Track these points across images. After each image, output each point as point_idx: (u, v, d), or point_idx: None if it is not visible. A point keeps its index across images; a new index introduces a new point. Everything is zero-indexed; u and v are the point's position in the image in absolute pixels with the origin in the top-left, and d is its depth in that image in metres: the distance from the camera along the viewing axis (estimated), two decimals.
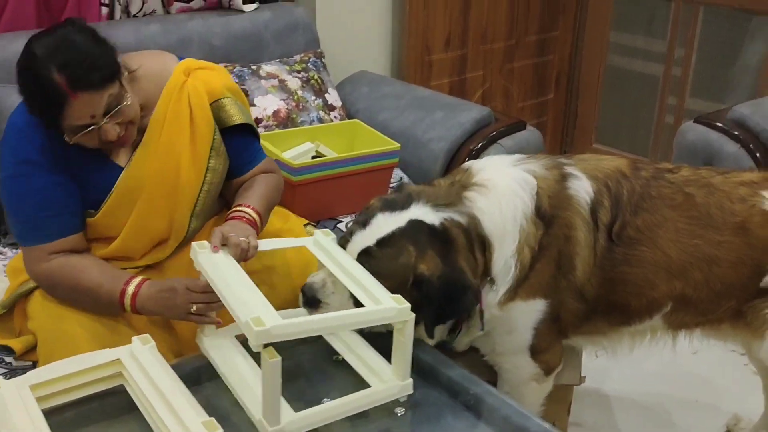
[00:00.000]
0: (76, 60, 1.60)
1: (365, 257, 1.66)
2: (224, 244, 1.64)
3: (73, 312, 1.74)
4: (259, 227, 1.80)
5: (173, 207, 1.83)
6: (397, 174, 2.71)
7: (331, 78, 2.99)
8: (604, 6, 4.28)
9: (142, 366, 1.52)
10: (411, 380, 1.58)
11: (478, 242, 1.71)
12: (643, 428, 2.47)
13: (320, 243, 1.72)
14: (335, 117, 2.86)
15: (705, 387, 2.64)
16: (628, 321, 1.91)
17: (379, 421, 1.57)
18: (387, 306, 1.49)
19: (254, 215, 1.79)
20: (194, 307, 1.62)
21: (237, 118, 1.88)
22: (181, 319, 1.68)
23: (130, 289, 1.70)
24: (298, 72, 2.85)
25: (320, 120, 2.80)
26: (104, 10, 2.71)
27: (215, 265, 1.59)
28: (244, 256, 1.65)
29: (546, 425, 1.54)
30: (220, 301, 1.54)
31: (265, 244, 1.73)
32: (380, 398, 1.57)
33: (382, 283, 1.60)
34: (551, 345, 1.88)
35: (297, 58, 2.91)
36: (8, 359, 1.84)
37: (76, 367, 1.53)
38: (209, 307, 1.63)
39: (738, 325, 1.90)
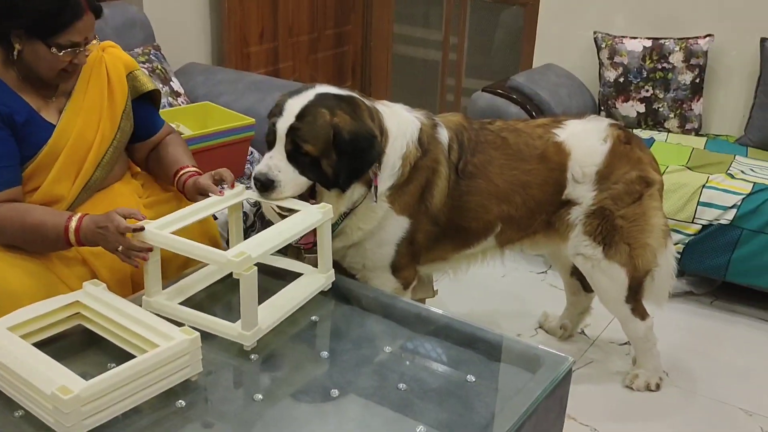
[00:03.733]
0: None
1: (292, 134, 2.02)
2: (216, 181, 2.03)
3: (13, 270, 1.86)
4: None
5: (84, 160, 2.05)
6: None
7: (171, 68, 3.24)
8: (387, 2, 4.85)
9: (102, 301, 1.75)
10: (333, 270, 1.99)
11: (377, 125, 2.12)
12: None
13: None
14: (182, 102, 3.13)
15: (515, 299, 3.25)
16: (468, 243, 2.41)
17: (299, 325, 1.88)
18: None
19: (197, 170, 2.15)
20: (120, 248, 1.83)
21: (149, 85, 2.19)
22: (114, 254, 1.86)
23: (73, 224, 1.88)
24: (143, 63, 3.08)
25: (170, 105, 3.05)
26: None
27: (168, 238, 1.81)
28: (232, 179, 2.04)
29: (407, 300, 2.02)
30: (145, 250, 1.79)
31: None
32: (316, 288, 1.95)
33: (312, 149, 1.99)
34: (407, 264, 2.32)
35: (139, 50, 3.13)
36: None
37: (36, 312, 1.73)
38: (134, 255, 1.82)
39: (549, 234, 2.46)
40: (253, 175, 2.05)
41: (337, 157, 2.03)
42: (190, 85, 3.33)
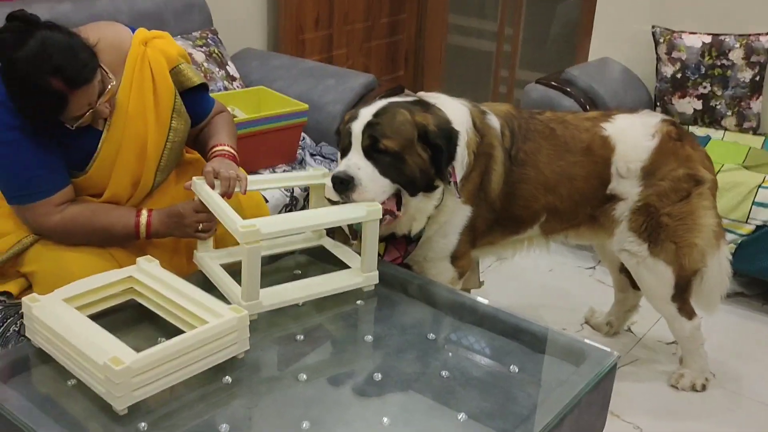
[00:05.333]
0: (65, 60, 1.73)
1: (370, 129, 1.99)
2: (216, 178, 1.95)
3: (72, 253, 1.96)
4: (236, 158, 2.11)
5: (141, 165, 2.05)
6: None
7: (227, 52, 3.29)
8: None
9: (155, 276, 1.80)
10: (377, 271, 1.97)
11: None
12: None
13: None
14: (237, 86, 3.18)
15: (562, 294, 3.22)
16: (516, 230, 2.40)
17: (343, 309, 1.92)
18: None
19: (231, 150, 2.10)
20: (201, 225, 1.94)
21: (195, 79, 2.12)
22: (189, 237, 1.98)
23: (143, 220, 1.97)
24: (200, 47, 3.13)
25: (226, 89, 3.10)
26: None
27: (209, 194, 1.92)
28: (234, 187, 1.95)
29: (472, 296, 2.02)
30: (215, 220, 1.87)
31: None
32: (347, 285, 1.94)
33: (391, 144, 1.96)
34: (466, 252, 2.32)
35: (197, 34, 3.19)
36: (1, 298, 2.04)
37: (92, 285, 1.78)
38: (211, 224, 1.94)
39: (594, 227, 2.44)
40: (330, 177, 2.00)
41: (430, 152, 2.03)
42: (245, 70, 3.38)
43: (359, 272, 1.97)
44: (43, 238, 1.99)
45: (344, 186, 1.96)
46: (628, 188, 2.34)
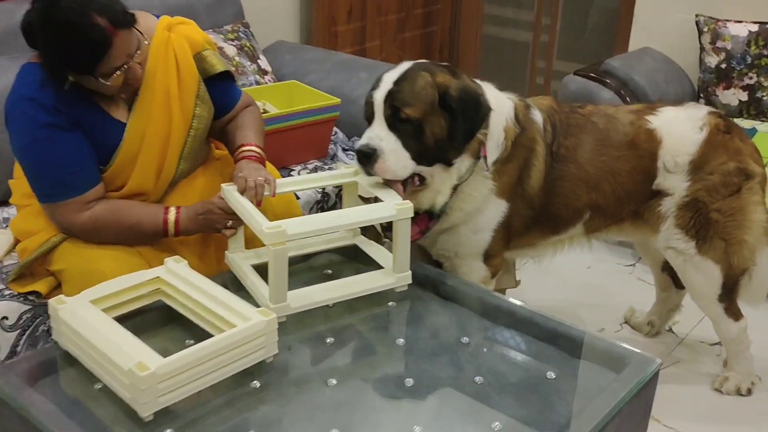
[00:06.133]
0: (107, 2, 1.76)
1: (391, 98, 1.93)
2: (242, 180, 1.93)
3: (100, 252, 1.94)
4: (263, 159, 2.07)
5: (165, 152, 2.02)
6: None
7: (259, 46, 3.25)
8: None
9: (183, 277, 1.77)
10: (410, 272, 1.91)
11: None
12: None
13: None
14: (269, 80, 3.14)
15: (601, 292, 3.14)
16: (557, 230, 2.32)
17: (374, 310, 1.87)
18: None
19: (259, 151, 2.06)
20: (230, 222, 1.92)
21: (219, 66, 2.09)
22: (216, 233, 1.96)
23: (171, 217, 1.95)
24: (232, 40, 3.10)
25: (257, 83, 3.06)
26: None
27: (238, 199, 1.90)
28: (262, 194, 1.92)
29: (507, 298, 1.95)
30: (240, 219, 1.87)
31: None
32: (378, 286, 1.89)
33: (413, 112, 1.90)
34: (499, 251, 2.26)
35: (228, 28, 3.15)
36: (31, 297, 2.03)
37: (120, 286, 1.76)
38: (239, 222, 1.92)
39: (638, 223, 2.35)
40: (355, 150, 1.99)
41: (449, 118, 1.95)
42: (277, 63, 3.34)
43: (391, 272, 1.92)
44: (71, 236, 1.97)
45: (367, 158, 1.93)
46: (675, 183, 2.25)
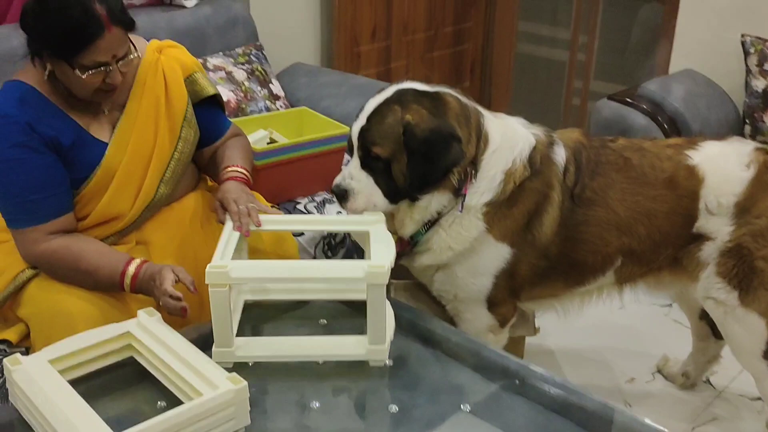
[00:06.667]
0: None
1: (362, 136, 1.87)
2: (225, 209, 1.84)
3: (69, 295, 1.79)
4: (251, 183, 1.98)
5: (145, 172, 1.93)
6: (346, 157, 2.85)
7: (272, 69, 3.11)
8: None
9: (153, 334, 1.62)
10: (386, 346, 1.68)
11: (475, 127, 1.91)
12: (588, 375, 2.71)
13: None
14: (281, 106, 2.99)
15: (633, 336, 2.91)
16: (583, 280, 2.12)
17: (368, 369, 1.69)
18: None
19: (245, 172, 1.97)
20: (161, 301, 1.73)
21: (210, 89, 2.04)
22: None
23: (131, 270, 1.78)
24: (243, 64, 2.96)
25: (267, 109, 2.91)
26: None
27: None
28: (247, 225, 1.79)
29: (524, 362, 1.75)
30: (180, 309, 1.70)
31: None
32: (344, 354, 1.70)
33: (381, 151, 1.82)
34: (505, 299, 2.07)
35: (239, 50, 3.02)
36: (2, 347, 1.88)
37: (87, 342, 1.62)
38: (178, 311, 1.71)
39: (676, 271, 2.14)
40: (332, 186, 1.95)
41: (408, 158, 1.83)
42: (292, 87, 3.19)
43: (366, 342, 1.69)
44: (39, 276, 1.85)
45: (339, 198, 1.92)
46: (718, 226, 2.04)
